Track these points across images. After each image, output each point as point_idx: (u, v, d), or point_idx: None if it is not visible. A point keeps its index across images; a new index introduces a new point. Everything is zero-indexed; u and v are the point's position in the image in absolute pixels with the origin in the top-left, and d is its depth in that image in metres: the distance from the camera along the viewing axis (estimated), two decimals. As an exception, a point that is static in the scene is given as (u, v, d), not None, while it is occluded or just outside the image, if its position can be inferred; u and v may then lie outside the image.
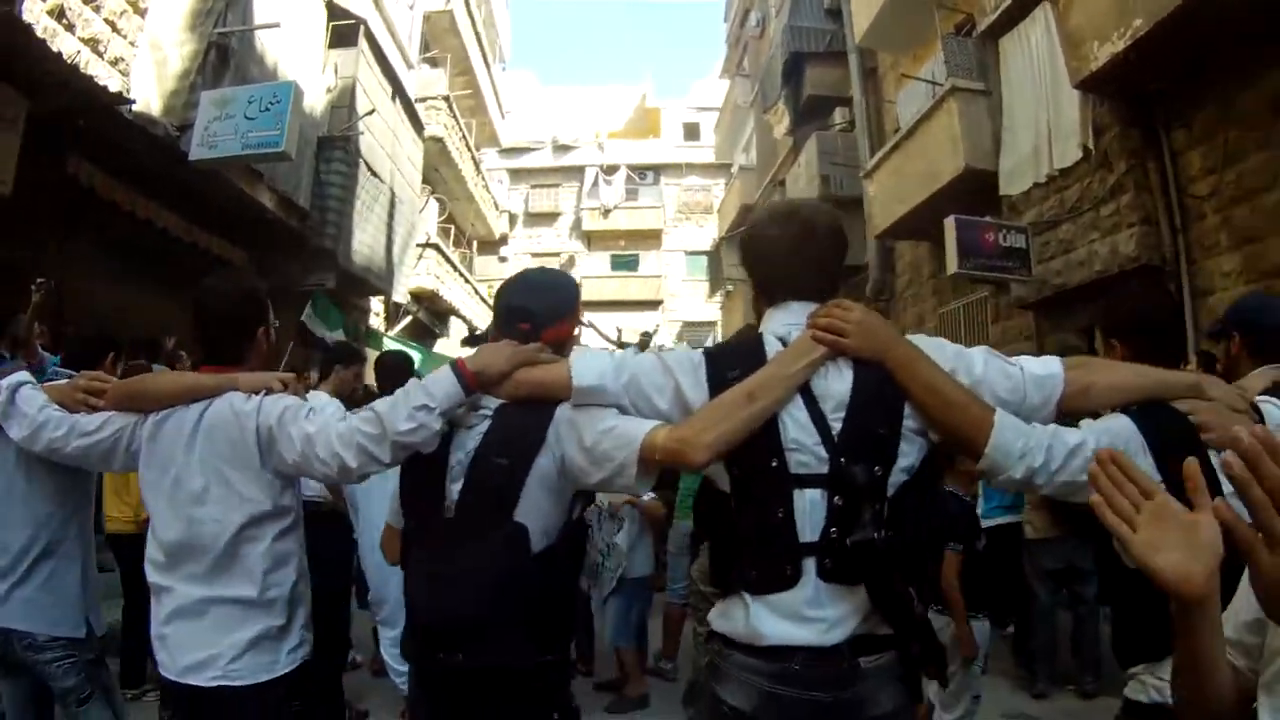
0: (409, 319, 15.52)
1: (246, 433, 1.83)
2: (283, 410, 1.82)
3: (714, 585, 1.71)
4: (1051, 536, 4.61)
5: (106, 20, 6.38)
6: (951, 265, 7.43)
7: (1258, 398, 1.67)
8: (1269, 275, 5.23)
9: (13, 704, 2.29)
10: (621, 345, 14.18)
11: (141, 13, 6.80)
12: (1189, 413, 1.50)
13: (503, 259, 25.28)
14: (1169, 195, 6.12)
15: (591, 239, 28.72)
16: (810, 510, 1.41)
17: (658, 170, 29.04)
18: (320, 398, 2.95)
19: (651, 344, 12.70)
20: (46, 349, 4.43)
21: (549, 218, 28.87)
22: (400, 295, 13.99)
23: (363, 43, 11.16)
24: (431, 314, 16.70)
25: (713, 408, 1.44)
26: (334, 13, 10.68)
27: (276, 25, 8.40)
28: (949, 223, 7.39)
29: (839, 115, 13.15)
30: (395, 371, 4.11)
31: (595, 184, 28.33)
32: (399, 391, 1.67)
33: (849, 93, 12.07)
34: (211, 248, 8.41)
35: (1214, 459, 1.35)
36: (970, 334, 9.21)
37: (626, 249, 28.51)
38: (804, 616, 1.39)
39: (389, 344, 12.46)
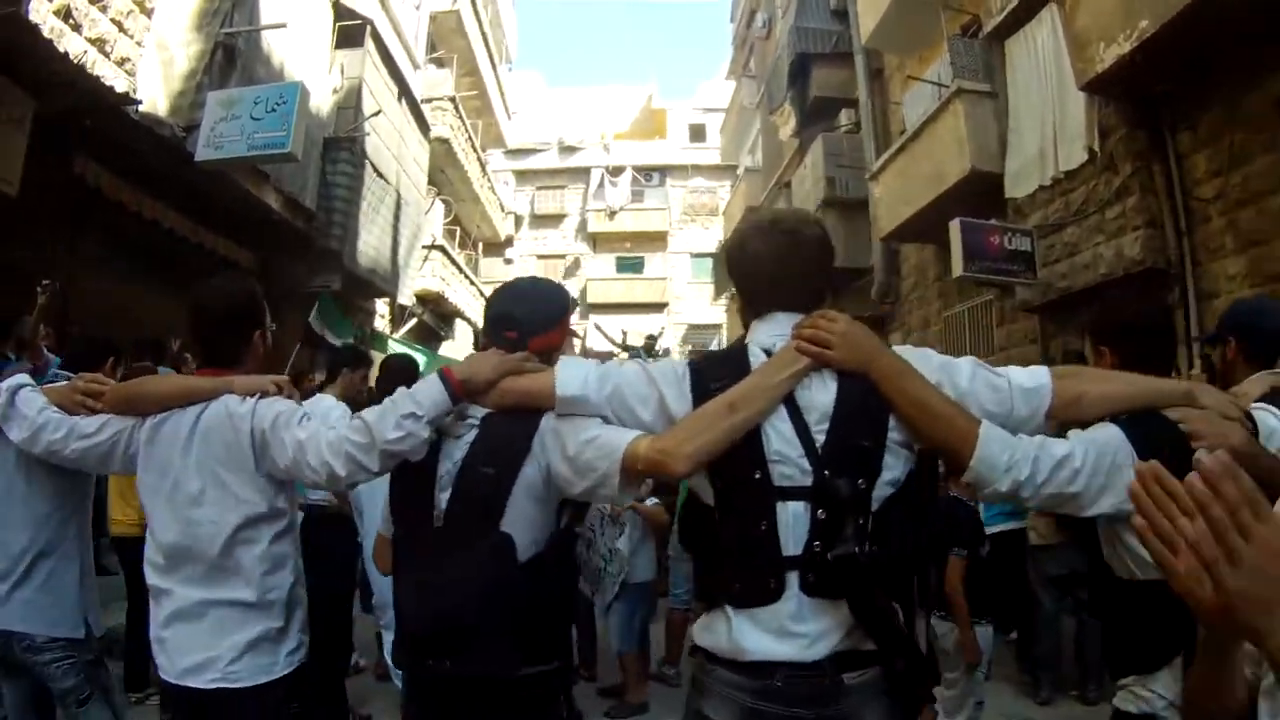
0: (414, 321, 15.50)
1: (241, 435, 1.84)
2: (276, 415, 1.83)
3: (698, 599, 1.70)
4: (1055, 542, 4.59)
5: (113, 20, 6.40)
6: (957, 268, 7.39)
7: (1253, 405, 1.64)
8: (1275, 279, 5.17)
9: (13, 706, 2.30)
10: (626, 348, 14.16)
11: (148, 13, 6.82)
12: (1180, 421, 1.47)
13: (508, 261, 25.17)
14: (1174, 198, 6.07)
15: (597, 241, 28.66)
16: (793, 523, 1.40)
17: (663, 172, 28.97)
18: (327, 400, 2.96)
19: (657, 347, 12.69)
20: (52, 350, 4.45)
21: (554, 219, 28.82)
22: (405, 297, 13.95)
23: (369, 43, 11.13)
24: (437, 316, 16.69)
25: (695, 418, 1.44)
26: (340, 13, 10.67)
27: (283, 26, 8.42)
28: (954, 225, 7.36)
29: (845, 117, 13.11)
30: (398, 375, 4.09)
31: (601, 185, 28.29)
32: (387, 400, 1.68)
33: (855, 94, 12.03)
34: (217, 248, 8.43)
35: None
36: (975, 337, 9.18)
37: (632, 251, 28.43)
38: (787, 631, 1.38)
39: (394, 346, 12.46)
